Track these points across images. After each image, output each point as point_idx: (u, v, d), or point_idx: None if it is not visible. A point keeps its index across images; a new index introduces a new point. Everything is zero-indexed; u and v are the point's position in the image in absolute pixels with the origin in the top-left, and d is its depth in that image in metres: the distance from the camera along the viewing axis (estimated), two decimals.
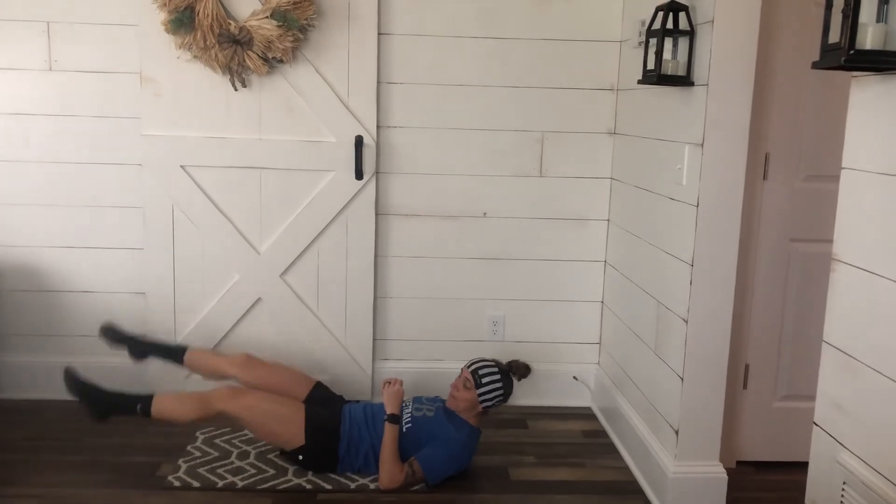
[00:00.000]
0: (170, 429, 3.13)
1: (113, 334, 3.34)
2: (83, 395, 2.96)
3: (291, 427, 2.96)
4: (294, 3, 3.23)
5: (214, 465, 3.03)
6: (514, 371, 3.14)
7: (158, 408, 2.93)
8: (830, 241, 1.95)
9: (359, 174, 3.46)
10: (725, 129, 2.60)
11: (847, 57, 1.62)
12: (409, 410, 3.06)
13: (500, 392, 3.05)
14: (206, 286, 3.54)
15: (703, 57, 2.62)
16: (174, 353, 3.32)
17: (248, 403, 2.95)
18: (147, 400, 2.94)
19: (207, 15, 3.21)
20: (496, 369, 3.07)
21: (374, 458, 2.98)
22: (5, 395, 3.56)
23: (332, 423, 3.01)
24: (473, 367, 3.06)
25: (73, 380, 2.99)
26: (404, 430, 2.98)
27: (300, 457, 2.98)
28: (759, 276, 3.06)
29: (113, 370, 3.56)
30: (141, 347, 3.33)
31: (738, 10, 2.55)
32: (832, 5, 1.70)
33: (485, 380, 3.03)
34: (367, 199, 3.52)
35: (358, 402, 3.24)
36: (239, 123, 3.44)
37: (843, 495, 1.87)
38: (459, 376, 3.08)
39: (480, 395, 3.01)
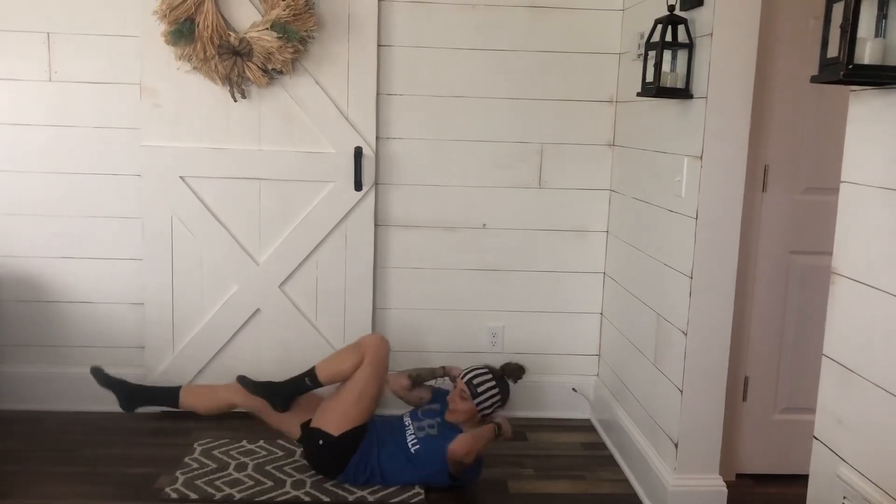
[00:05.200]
0: (168, 440, 3.12)
1: (103, 378, 3.18)
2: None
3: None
4: (294, 15, 3.24)
5: (212, 477, 3.02)
6: (509, 374, 3.13)
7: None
8: (830, 253, 1.94)
9: (358, 185, 3.46)
10: (724, 142, 2.61)
11: (846, 71, 1.62)
12: (412, 431, 3.04)
13: (497, 398, 3.03)
14: (205, 297, 3.54)
15: (702, 69, 2.62)
16: (168, 395, 3.17)
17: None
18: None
19: (207, 26, 3.21)
20: (490, 376, 3.05)
21: (379, 474, 2.97)
22: (3, 405, 3.55)
23: (359, 432, 2.98)
24: (467, 377, 3.04)
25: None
26: (413, 451, 2.97)
27: (321, 441, 2.96)
28: (759, 288, 3.06)
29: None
30: (132, 395, 3.17)
31: (737, 23, 2.56)
32: (831, 20, 1.70)
33: (480, 388, 3.01)
34: (366, 209, 3.52)
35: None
36: (239, 134, 3.44)
37: None
38: (455, 388, 3.07)
39: (478, 404, 3.00)
